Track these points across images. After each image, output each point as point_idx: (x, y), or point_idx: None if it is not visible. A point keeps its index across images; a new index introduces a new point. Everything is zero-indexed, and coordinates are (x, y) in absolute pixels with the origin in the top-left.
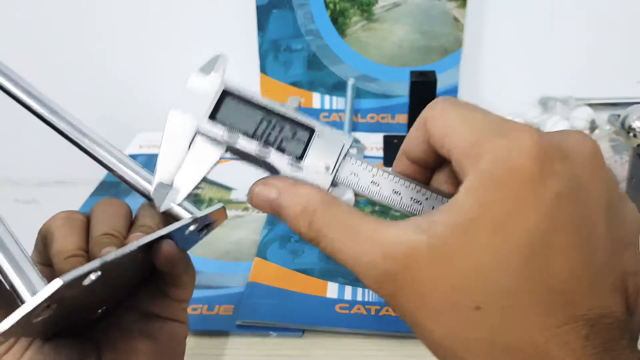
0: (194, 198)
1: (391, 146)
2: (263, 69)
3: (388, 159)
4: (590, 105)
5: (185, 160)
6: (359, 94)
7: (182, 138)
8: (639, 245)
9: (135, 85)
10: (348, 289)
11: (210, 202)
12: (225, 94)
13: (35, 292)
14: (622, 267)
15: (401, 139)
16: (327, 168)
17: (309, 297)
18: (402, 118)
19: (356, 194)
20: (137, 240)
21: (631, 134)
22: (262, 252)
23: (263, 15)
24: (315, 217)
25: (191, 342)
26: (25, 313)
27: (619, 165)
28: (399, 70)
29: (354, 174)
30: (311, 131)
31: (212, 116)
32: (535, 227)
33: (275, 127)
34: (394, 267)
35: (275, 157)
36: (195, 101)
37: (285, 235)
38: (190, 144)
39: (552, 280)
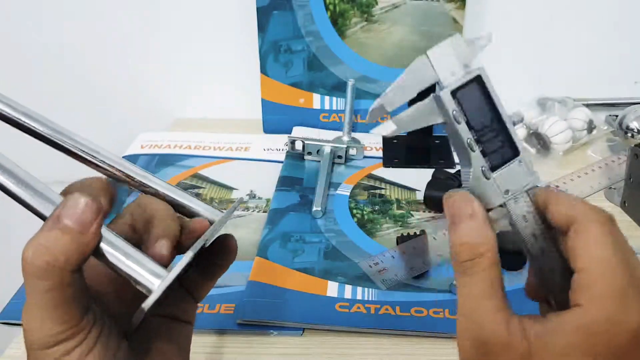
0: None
1: (390, 146)
2: (263, 70)
3: (387, 159)
4: (588, 105)
5: (412, 106)
6: (358, 94)
7: (422, 81)
8: None
9: (136, 86)
10: (348, 288)
11: (212, 201)
12: (475, 79)
13: (156, 274)
14: None
15: (401, 139)
16: (507, 191)
17: (309, 296)
18: None
19: (510, 223)
20: (213, 231)
21: (629, 134)
22: (262, 251)
23: (263, 16)
24: (482, 260)
25: (192, 340)
26: (167, 284)
27: (617, 166)
28: (398, 71)
29: (517, 200)
30: (515, 154)
31: (454, 92)
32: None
33: (493, 132)
34: (485, 341)
35: (476, 155)
36: (448, 57)
37: (285, 235)
38: (422, 92)
39: None
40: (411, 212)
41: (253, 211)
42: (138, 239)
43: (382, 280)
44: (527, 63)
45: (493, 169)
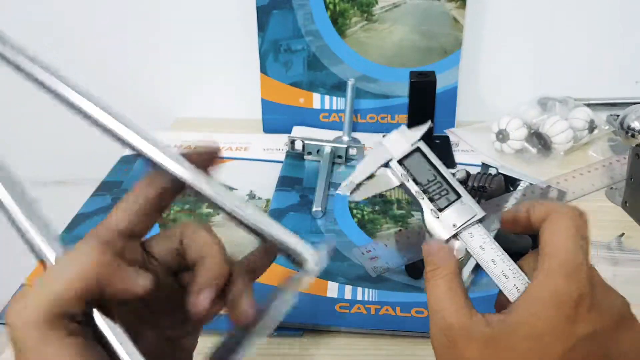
0: (196, 197)
1: None
2: (263, 69)
3: None
4: (589, 105)
5: (372, 177)
6: (358, 94)
7: (379, 159)
8: None
9: (136, 86)
10: (348, 289)
11: None
12: (417, 150)
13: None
14: None
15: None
16: (454, 225)
17: (309, 297)
18: (402, 118)
19: (466, 251)
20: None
21: (630, 134)
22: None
23: (263, 15)
24: (442, 270)
25: None
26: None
27: (619, 166)
28: (398, 71)
29: (471, 235)
30: (458, 197)
31: (401, 161)
32: (555, 349)
33: (437, 185)
34: (456, 333)
35: (425, 203)
36: (397, 140)
37: None
38: (380, 166)
39: None
40: (411, 212)
41: None
42: (178, 266)
43: (373, 267)
44: (528, 62)
45: (441, 210)
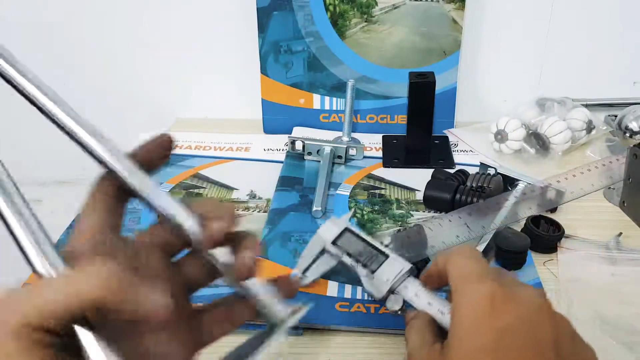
0: (197, 198)
1: (390, 146)
2: (264, 70)
3: (387, 159)
4: (587, 106)
5: (316, 261)
6: (358, 95)
7: (317, 246)
8: None
9: (136, 86)
10: (348, 288)
11: None
12: (345, 230)
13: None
14: None
15: (400, 139)
16: (387, 280)
17: (309, 296)
18: (401, 119)
19: (404, 300)
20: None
21: (627, 134)
22: (262, 251)
23: (264, 16)
24: (410, 324)
25: None
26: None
27: (616, 166)
28: (398, 72)
29: (406, 287)
30: (386, 257)
31: (334, 242)
32: (487, 346)
33: (367, 253)
34: None
35: (360, 269)
36: (329, 228)
37: (285, 235)
38: (319, 252)
39: None
40: (411, 212)
41: (253, 211)
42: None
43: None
44: (527, 63)
45: (373, 272)
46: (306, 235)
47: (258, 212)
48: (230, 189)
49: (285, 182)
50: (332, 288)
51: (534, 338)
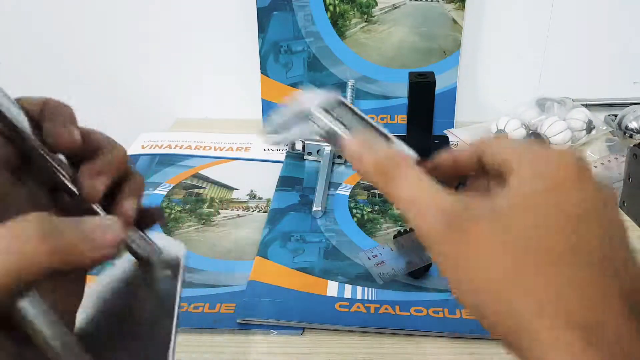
0: (197, 198)
1: None
2: (264, 70)
3: None
4: (587, 106)
5: (292, 124)
6: (358, 95)
7: (296, 111)
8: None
9: (137, 86)
10: (348, 288)
11: (212, 201)
12: (339, 103)
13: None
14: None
15: (400, 139)
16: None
17: (309, 296)
18: (401, 119)
19: None
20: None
21: (627, 134)
22: (262, 251)
23: (264, 16)
24: (400, 167)
25: (193, 340)
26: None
27: (616, 166)
28: (398, 72)
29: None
30: (387, 140)
31: (326, 110)
32: (577, 208)
33: (368, 130)
34: (459, 220)
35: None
36: (313, 97)
37: (285, 235)
38: (302, 110)
39: (595, 252)
40: None
41: (253, 211)
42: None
43: (380, 274)
44: (526, 63)
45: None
46: (306, 235)
47: (258, 212)
48: (230, 189)
49: (285, 182)
50: (332, 288)
51: (610, 213)
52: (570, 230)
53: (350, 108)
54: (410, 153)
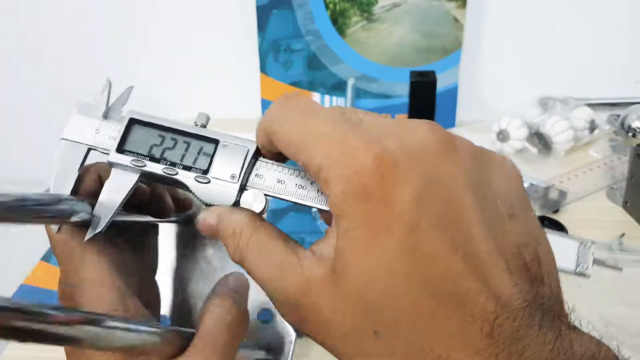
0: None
1: None
2: (263, 69)
3: None
4: (590, 105)
5: (103, 191)
6: (359, 94)
7: (75, 162)
8: (527, 209)
9: (135, 86)
10: None
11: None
12: (131, 122)
13: None
14: (510, 242)
15: None
16: (233, 176)
17: None
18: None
19: (267, 195)
20: None
21: (630, 134)
22: None
23: (263, 15)
24: (241, 240)
25: None
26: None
27: (619, 165)
28: (398, 71)
29: (259, 175)
30: (216, 143)
31: (120, 147)
32: (401, 233)
33: (182, 146)
34: (295, 297)
35: (182, 175)
36: (83, 125)
37: None
38: (83, 161)
39: (437, 284)
40: None
41: None
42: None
43: None
44: (529, 62)
45: (206, 171)
46: (306, 235)
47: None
48: None
49: None
50: None
51: (448, 198)
52: (407, 274)
53: (144, 123)
54: (250, 147)
